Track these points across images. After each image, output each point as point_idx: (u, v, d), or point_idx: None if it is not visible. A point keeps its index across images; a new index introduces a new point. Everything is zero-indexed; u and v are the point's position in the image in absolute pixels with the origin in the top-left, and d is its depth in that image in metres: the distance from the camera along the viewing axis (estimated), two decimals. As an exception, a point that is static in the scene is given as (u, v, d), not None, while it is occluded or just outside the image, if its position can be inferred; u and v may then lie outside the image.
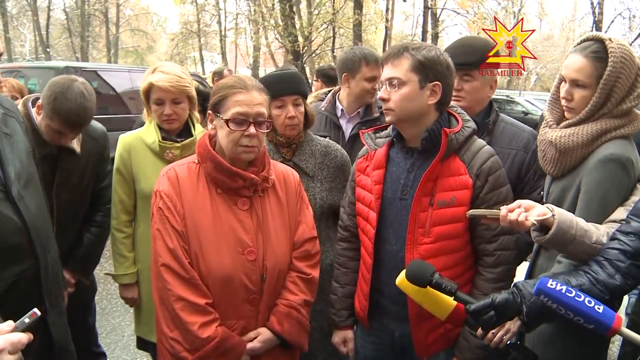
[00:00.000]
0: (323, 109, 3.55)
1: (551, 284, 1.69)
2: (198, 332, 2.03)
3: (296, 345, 2.29)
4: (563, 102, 2.30)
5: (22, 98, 3.45)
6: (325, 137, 3.09)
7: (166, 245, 2.09)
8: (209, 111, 2.19)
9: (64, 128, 2.74)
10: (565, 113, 2.33)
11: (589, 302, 1.66)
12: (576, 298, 1.66)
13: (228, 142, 2.11)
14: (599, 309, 1.66)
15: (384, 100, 2.24)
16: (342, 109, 3.50)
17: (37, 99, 2.87)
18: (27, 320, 1.34)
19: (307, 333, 2.34)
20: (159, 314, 2.13)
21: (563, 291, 1.67)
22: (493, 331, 2.13)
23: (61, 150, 2.88)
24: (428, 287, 2.00)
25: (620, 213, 2.06)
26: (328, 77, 5.96)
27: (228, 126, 2.09)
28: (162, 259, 2.08)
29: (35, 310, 1.36)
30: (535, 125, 3.75)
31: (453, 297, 1.98)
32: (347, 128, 3.45)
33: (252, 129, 2.09)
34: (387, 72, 2.24)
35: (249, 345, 2.16)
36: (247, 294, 2.16)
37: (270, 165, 2.28)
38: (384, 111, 2.29)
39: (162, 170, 2.25)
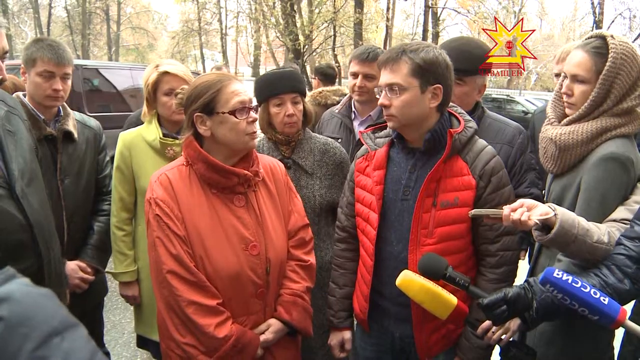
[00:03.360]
0: (337, 111, 3.55)
1: (557, 274, 1.69)
2: (215, 333, 2.04)
3: (303, 331, 2.33)
4: (564, 97, 2.31)
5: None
6: (336, 139, 3.11)
7: (169, 252, 2.07)
8: (198, 114, 2.14)
9: (49, 62, 2.77)
10: (566, 109, 2.33)
11: (595, 293, 1.66)
12: (582, 289, 1.66)
13: (236, 134, 2.13)
14: (604, 300, 1.66)
15: (385, 106, 2.21)
16: (355, 112, 3.49)
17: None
18: None
19: (312, 318, 2.39)
20: (167, 322, 2.11)
21: (569, 281, 1.67)
22: (493, 330, 2.14)
23: (63, 136, 2.89)
24: (429, 286, 2.02)
25: (621, 212, 2.06)
26: (325, 76, 5.99)
27: (235, 117, 2.10)
28: (167, 266, 2.07)
29: None
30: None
31: (466, 291, 2.00)
32: (358, 130, 3.43)
33: (253, 114, 2.15)
34: (386, 77, 2.19)
35: (262, 337, 2.20)
36: (255, 288, 2.18)
37: (258, 160, 2.30)
38: (385, 117, 2.27)
39: (152, 176, 2.22)
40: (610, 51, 2.13)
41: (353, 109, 3.50)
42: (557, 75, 3.39)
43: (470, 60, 2.71)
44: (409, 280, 2.05)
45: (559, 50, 3.54)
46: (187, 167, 2.19)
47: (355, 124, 3.47)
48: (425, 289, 2.02)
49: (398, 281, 2.07)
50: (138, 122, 3.30)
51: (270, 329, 2.23)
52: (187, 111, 2.19)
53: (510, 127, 2.87)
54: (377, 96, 2.26)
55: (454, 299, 2.04)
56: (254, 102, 2.24)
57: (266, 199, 2.29)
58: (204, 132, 2.16)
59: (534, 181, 2.89)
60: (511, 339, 2.18)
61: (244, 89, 2.17)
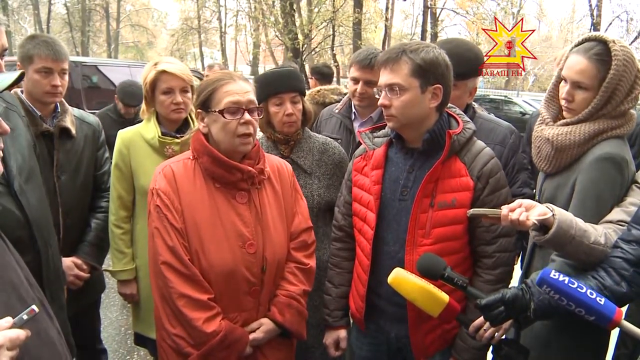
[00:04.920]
0: (337, 111, 3.54)
1: (554, 275, 1.70)
2: (203, 327, 2.06)
3: (296, 334, 2.33)
4: (563, 102, 2.30)
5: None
6: (336, 139, 3.10)
7: (165, 243, 2.10)
8: (198, 110, 2.20)
9: (46, 59, 2.75)
10: (564, 112, 2.33)
11: (591, 293, 1.67)
12: (578, 289, 1.67)
13: (225, 134, 2.14)
14: (600, 300, 1.66)
15: (385, 106, 2.21)
16: (355, 112, 3.48)
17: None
18: (25, 316, 1.34)
19: (306, 322, 2.38)
20: (160, 312, 2.14)
21: (566, 282, 1.68)
22: (485, 328, 2.15)
23: (60, 132, 2.88)
24: (421, 283, 2.03)
25: (617, 213, 2.07)
26: (322, 75, 6.02)
27: (224, 116, 2.11)
28: (162, 257, 2.09)
29: (34, 307, 1.36)
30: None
31: (464, 292, 2.01)
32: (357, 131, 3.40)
33: (247, 116, 2.13)
34: (386, 77, 2.19)
35: (252, 335, 2.20)
36: (249, 286, 2.19)
37: (264, 158, 2.31)
38: (385, 117, 2.27)
39: (157, 167, 2.25)
40: (613, 58, 2.13)
41: (353, 110, 3.49)
42: None
43: (462, 63, 2.69)
44: (400, 278, 2.06)
45: (560, 53, 3.54)
46: (192, 161, 2.22)
47: (356, 124, 3.45)
48: (417, 287, 2.03)
49: (390, 279, 2.08)
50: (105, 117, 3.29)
51: (261, 328, 2.23)
52: (195, 105, 2.23)
53: (502, 127, 2.88)
54: (377, 96, 2.26)
55: (445, 297, 2.05)
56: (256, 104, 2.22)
57: (270, 198, 2.30)
58: (202, 128, 2.20)
59: (526, 181, 2.90)
60: (504, 337, 2.19)
61: (242, 90, 2.16)
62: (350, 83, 3.39)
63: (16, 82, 1.45)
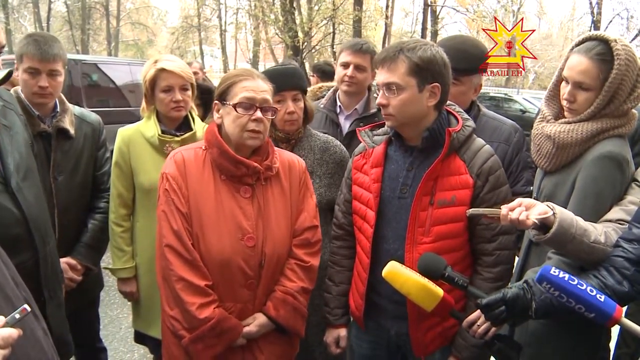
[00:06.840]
0: (322, 106, 3.54)
1: (554, 271, 1.70)
2: (196, 313, 2.11)
3: (292, 330, 2.34)
4: (565, 102, 2.29)
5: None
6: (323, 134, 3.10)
7: (171, 227, 2.15)
8: (215, 101, 2.26)
9: (33, 58, 2.68)
10: (566, 112, 2.32)
11: (591, 290, 1.67)
12: (578, 286, 1.67)
13: (235, 127, 2.19)
14: (600, 297, 1.67)
15: (383, 105, 2.21)
16: (340, 106, 3.48)
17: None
18: (17, 315, 1.34)
19: (304, 320, 2.39)
20: (162, 293, 2.21)
21: (566, 278, 1.68)
22: (478, 323, 2.14)
23: (58, 133, 2.85)
24: (415, 277, 2.04)
25: (616, 212, 2.06)
26: (323, 72, 6.03)
27: (236, 110, 2.16)
28: (167, 239, 2.15)
29: (26, 306, 1.36)
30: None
31: (465, 291, 2.02)
32: (345, 125, 3.43)
33: (258, 113, 2.18)
34: (384, 76, 2.19)
35: (246, 329, 2.23)
36: (245, 279, 2.22)
37: (274, 154, 2.33)
38: (383, 116, 2.27)
39: (171, 153, 2.32)
40: (615, 58, 2.11)
41: (338, 103, 3.49)
42: None
43: (467, 60, 2.70)
44: (395, 271, 2.07)
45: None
46: (204, 151, 2.27)
47: (341, 118, 3.46)
48: (411, 280, 2.04)
49: (384, 272, 2.08)
50: None
51: (255, 322, 2.26)
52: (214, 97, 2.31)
53: (507, 125, 2.88)
54: (375, 95, 2.26)
55: (440, 291, 2.05)
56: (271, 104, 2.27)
57: (276, 194, 2.32)
58: (216, 119, 2.26)
59: (530, 180, 2.88)
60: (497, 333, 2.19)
61: (259, 88, 2.22)
62: (339, 69, 3.40)
63: (3, 81, 1.44)
